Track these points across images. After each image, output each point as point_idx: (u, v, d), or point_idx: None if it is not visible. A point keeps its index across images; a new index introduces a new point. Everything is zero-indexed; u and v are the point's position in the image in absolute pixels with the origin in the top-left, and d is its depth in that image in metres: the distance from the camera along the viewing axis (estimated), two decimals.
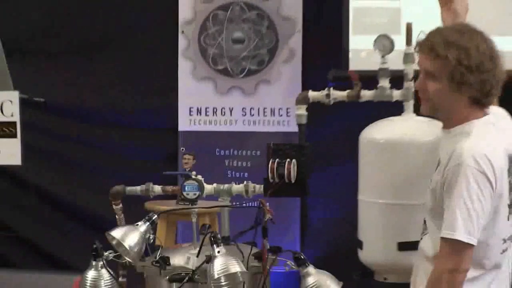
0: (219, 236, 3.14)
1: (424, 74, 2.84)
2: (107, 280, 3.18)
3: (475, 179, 2.67)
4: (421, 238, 2.96)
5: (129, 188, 3.42)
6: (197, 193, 3.31)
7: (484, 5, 4.89)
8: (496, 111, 2.94)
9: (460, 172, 2.69)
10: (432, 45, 2.81)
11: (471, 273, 2.75)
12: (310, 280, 3.20)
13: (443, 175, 2.74)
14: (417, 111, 3.50)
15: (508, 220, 2.80)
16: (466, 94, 2.78)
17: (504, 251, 2.83)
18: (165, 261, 3.21)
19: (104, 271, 3.19)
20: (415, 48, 2.89)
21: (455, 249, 2.68)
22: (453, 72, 2.78)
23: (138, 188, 3.43)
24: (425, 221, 2.94)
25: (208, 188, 3.37)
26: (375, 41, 3.50)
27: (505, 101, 3.01)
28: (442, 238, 2.70)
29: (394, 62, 3.50)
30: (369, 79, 3.55)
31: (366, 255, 3.45)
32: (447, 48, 2.78)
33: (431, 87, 2.83)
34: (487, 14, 4.78)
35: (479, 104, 2.81)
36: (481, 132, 2.78)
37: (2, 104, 4.39)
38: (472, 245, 2.68)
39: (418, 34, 2.92)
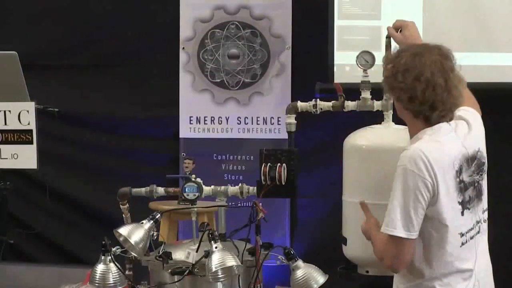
0: (216, 233, 3.14)
1: None
2: (114, 273, 3.17)
3: (412, 179, 2.67)
4: None
5: (135, 190, 3.40)
6: (197, 194, 3.29)
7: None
8: (465, 116, 2.88)
9: (400, 173, 2.71)
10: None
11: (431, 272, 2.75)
12: (299, 273, 3.20)
13: None
14: (395, 119, 3.49)
15: (462, 215, 2.76)
16: (400, 103, 2.79)
17: (463, 243, 2.77)
18: (167, 256, 3.20)
19: (112, 265, 3.17)
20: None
21: (396, 243, 2.69)
22: (384, 81, 2.82)
23: (143, 189, 3.41)
24: None
25: (207, 189, 3.36)
26: (357, 56, 3.48)
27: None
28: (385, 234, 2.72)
29: (375, 75, 3.48)
30: (352, 91, 3.53)
31: (350, 250, 3.42)
32: (384, 62, 2.86)
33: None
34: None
35: (420, 117, 2.77)
36: (429, 137, 2.75)
37: (19, 114, 4.36)
38: (411, 240, 2.68)
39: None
